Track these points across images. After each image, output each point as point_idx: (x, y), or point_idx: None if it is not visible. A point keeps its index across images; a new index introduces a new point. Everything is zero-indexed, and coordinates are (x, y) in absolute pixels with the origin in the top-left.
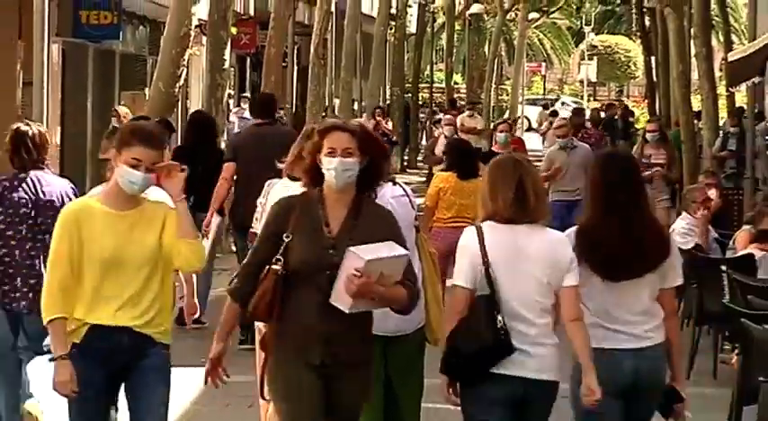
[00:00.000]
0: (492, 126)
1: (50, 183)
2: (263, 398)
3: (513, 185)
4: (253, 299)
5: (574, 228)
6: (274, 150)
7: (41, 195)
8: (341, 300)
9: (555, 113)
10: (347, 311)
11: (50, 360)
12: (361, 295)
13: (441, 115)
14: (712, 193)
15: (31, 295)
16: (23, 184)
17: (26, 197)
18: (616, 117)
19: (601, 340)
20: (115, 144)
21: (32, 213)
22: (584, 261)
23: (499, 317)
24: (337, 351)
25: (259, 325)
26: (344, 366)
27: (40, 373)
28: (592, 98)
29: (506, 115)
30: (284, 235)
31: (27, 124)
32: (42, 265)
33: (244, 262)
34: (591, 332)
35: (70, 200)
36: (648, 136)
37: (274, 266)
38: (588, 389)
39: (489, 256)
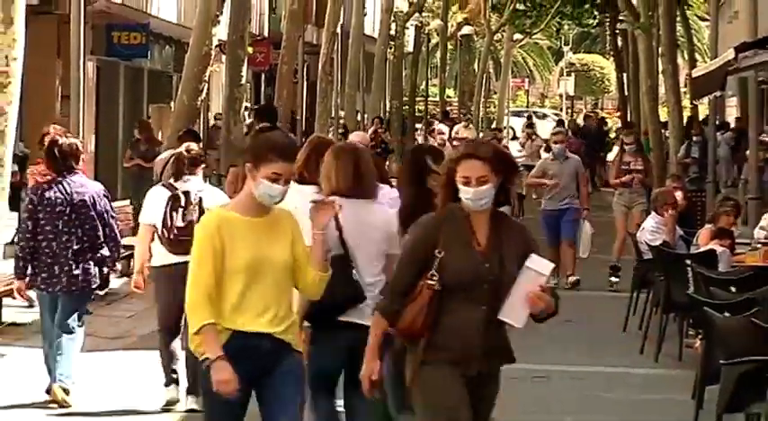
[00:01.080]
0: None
1: (83, 184)
2: None
3: (352, 167)
4: (406, 315)
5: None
6: None
7: (75, 195)
8: (515, 315)
9: (531, 125)
10: (520, 326)
11: (205, 365)
12: (540, 309)
13: (436, 124)
14: (678, 195)
15: (65, 280)
16: (59, 187)
17: (61, 197)
18: (592, 126)
19: None
20: (248, 157)
21: (67, 211)
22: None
23: (354, 272)
24: (491, 362)
25: None
26: (489, 376)
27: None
28: (570, 110)
29: (494, 126)
30: (436, 251)
31: (64, 135)
32: (73, 255)
33: (393, 279)
34: None
35: (101, 199)
36: (626, 147)
37: (430, 282)
38: None
39: (342, 224)
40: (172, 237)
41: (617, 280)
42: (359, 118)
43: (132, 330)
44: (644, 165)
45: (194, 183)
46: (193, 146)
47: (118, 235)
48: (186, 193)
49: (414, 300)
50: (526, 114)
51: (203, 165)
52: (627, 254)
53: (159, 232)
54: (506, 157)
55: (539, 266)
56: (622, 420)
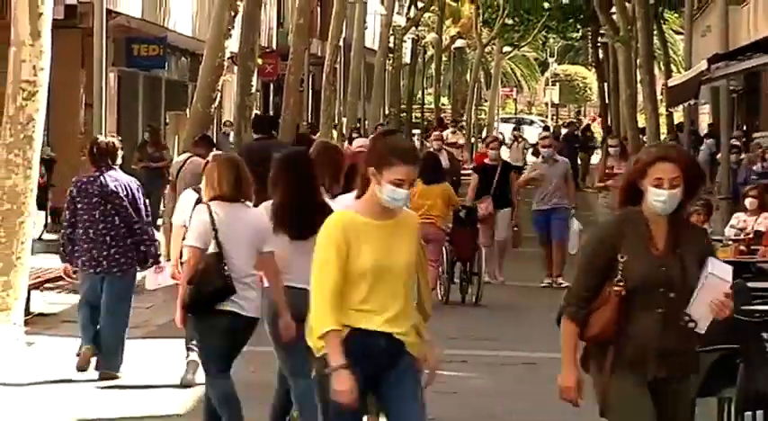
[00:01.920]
0: (473, 140)
1: (117, 178)
2: None
3: (233, 175)
4: (596, 322)
5: (269, 203)
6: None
7: (109, 187)
8: (699, 320)
9: (518, 128)
10: (702, 331)
11: (327, 372)
12: (725, 316)
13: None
14: None
15: (105, 263)
16: (96, 180)
17: (97, 189)
18: (576, 132)
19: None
20: (371, 161)
21: (102, 201)
22: (278, 228)
23: (225, 268)
24: (670, 365)
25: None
26: (675, 380)
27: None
28: (555, 117)
29: (485, 132)
30: (618, 255)
31: (104, 136)
32: (111, 239)
33: (576, 284)
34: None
35: (133, 191)
36: (611, 150)
37: (616, 288)
38: (286, 324)
39: (217, 225)
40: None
41: None
42: (358, 124)
43: (151, 320)
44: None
45: None
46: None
47: (144, 221)
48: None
49: (601, 305)
50: (514, 120)
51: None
52: None
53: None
54: (695, 163)
55: (720, 272)
56: None
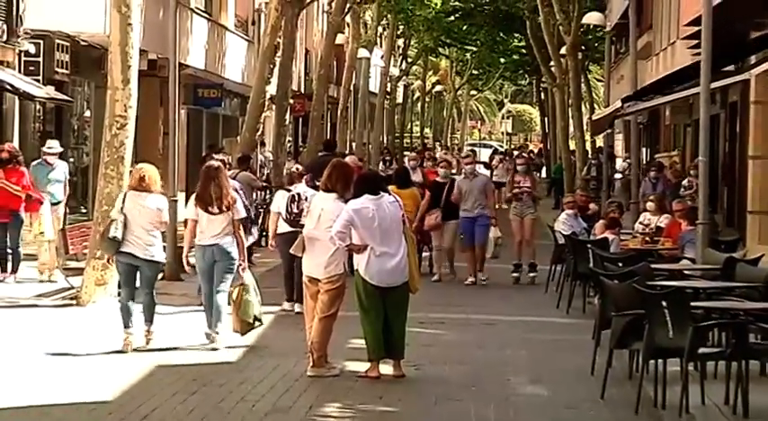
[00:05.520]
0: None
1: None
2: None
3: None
4: None
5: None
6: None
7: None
8: None
9: (495, 152)
10: None
11: None
12: None
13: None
14: (592, 206)
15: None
16: None
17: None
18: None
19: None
20: None
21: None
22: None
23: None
24: None
25: (306, 278)
26: None
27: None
28: (509, 142)
29: (464, 151)
30: None
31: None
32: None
33: None
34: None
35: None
36: (519, 167)
37: None
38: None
39: (125, 209)
40: (291, 217)
41: (517, 275)
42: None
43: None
44: (531, 183)
45: (300, 188)
46: (300, 166)
47: None
48: (297, 194)
49: None
50: (478, 145)
51: (305, 177)
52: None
53: (283, 216)
54: None
55: None
56: (545, 353)
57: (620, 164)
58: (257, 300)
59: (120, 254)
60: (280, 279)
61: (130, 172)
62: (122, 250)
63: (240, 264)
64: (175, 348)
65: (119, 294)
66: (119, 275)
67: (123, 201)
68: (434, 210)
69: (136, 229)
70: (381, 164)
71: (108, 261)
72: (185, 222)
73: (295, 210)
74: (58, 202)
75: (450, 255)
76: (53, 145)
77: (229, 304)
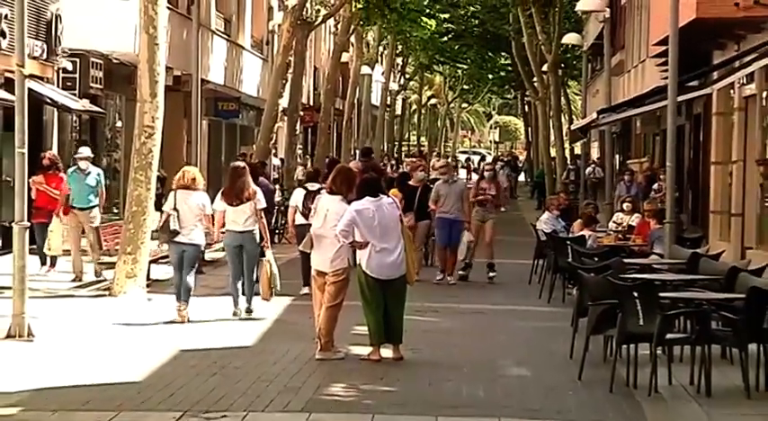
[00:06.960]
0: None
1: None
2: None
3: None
4: None
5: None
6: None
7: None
8: None
9: (483, 158)
10: None
11: None
12: None
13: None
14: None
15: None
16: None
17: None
18: (509, 159)
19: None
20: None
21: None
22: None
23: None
24: None
25: (314, 272)
26: None
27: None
28: (496, 150)
29: (449, 159)
30: None
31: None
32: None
33: None
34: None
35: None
36: (486, 174)
37: None
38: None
39: (177, 204)
40: (306, 211)
41: (494, 274)
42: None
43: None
44: (496, 190)
45: (316, 186)
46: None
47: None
48: (313, 191)
49: None
50: (480, 155)
51: (320, 176)
52: (479, 256)
53: (300, 210)
54: None
55: None
56: (528, 338)
57: (588, 169)
58: (277, 274)
59: (172, 243)
60: (292, 271)
61: (180, 174)
62: (174, 240)
63: (264, 244)
64: (198, 332)
65: (147, 285)
66: (171, 259)
67: (175, 199)
68: (408, 212)
69: (183, 221)
70: (389, 167)
71: (158, 246)
72: (212, 215)
73: (310, 206)
74: (94, 206)
75: (421, 252)
76: (83, 150)
77: (258, 277)
